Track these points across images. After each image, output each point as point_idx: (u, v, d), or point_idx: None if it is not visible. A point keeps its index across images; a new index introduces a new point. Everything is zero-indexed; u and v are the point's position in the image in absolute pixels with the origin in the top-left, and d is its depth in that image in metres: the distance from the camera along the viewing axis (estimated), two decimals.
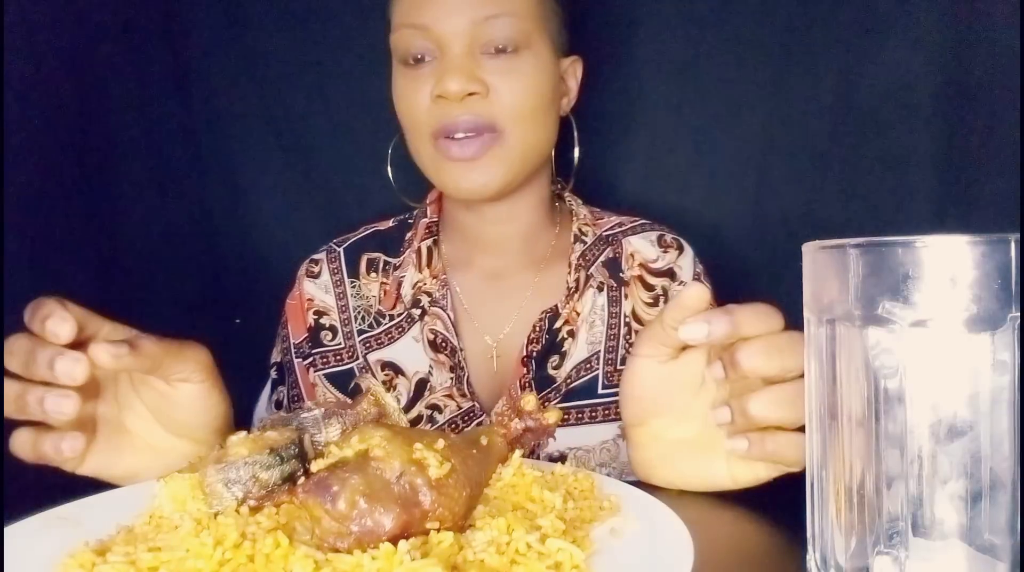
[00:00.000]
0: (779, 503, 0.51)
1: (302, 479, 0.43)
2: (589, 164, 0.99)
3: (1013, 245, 0.33)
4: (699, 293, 0.50)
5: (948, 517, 0.34)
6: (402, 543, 0.38)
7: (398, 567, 0.36)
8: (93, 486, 0.54)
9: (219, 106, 1.08)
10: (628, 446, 0.59)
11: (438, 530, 0.40)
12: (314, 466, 0.42)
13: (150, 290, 1.07)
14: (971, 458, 0.34)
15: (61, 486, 0.53)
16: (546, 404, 0.76)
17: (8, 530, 0.44)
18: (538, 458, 0.73)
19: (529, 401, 0.53)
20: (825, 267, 0.37)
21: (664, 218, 0.89)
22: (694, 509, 0.52)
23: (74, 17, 0.98)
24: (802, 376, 0.41)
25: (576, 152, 0.86)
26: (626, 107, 1.03)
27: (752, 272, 1.01)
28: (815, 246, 0.38)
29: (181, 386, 0.54)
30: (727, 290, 0.91)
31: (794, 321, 0.42)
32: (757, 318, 0.49)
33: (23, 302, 0.50)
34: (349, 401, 0.54)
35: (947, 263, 0.33)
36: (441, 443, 0.43)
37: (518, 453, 0.50)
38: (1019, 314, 0.33)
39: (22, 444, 0.51)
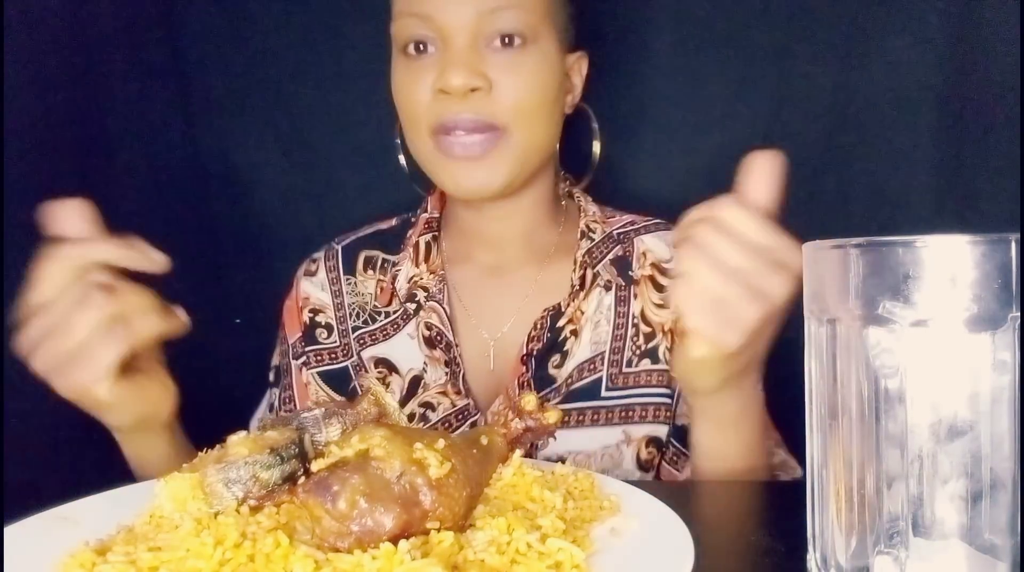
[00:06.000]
0: (779, 503, 0.52)
1: (302, 479, 0.43)
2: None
3: (1013, 245, 0.33)
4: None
5: (948, 517, 0.34)
6: (402, 543, 0.38)
7: (398, 567, 0.36)
8: (93, 486, 0.54)
9: (219, 106, 1.08)
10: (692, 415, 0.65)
11: (438, 530, 0.40)
12: (314, 466, 0.42)
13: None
14: (971, 458, 0.34)
15: (61, 486, 0.53)
16: (545, 404, 0.76)
17: (8, 530, 0.44)
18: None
19: (529, 401, 0.53)
20: (825, 267, 0.37)
21: (664, 216, 0.89)
22: (694, 509, 0.52)
23: (74, 17, 0.98)
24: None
25: (596, 147, 0.84)
26: (628, 104, 1.02)
27: None
28: (815, 246, 0.38)
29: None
30: None
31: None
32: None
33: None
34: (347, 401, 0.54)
35: (947, 263, 0.33)
36: (441, 443, 0.43)
37: (518, 453, 0.50)
38: (1019, 314, 0.33)
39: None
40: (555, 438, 0.53)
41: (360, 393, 0.54)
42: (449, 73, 0.70)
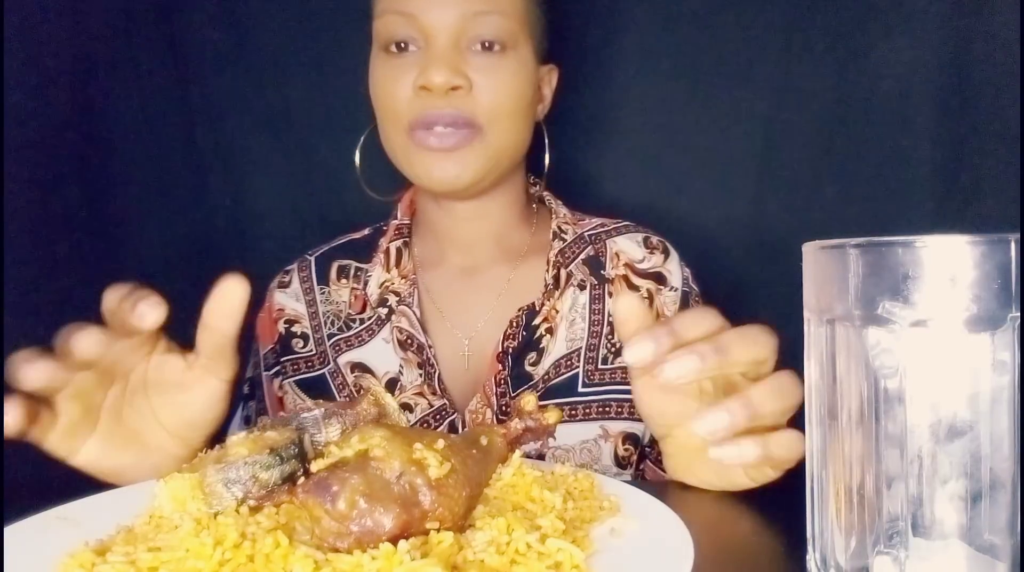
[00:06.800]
0: (779, 503, 0.51)
1: (302, 479, 0.43)
2: (584, 168, 0.99)
3: (1013, 245, 0.32)
4: (628, 304, 0.51)
5: (948, 517, 0.34)
6: (402, 543, 0.38)
7: (398, 567, 0.36)
8: (93, 486, 0.54)
9: (219, 105, 1.08)
10: (662, 455, 0.60)
11: (438, 530, 0.40)
12: (314, 466, 0.42)
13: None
14: (971, 458, 0.34)
15: (61, 486, 0.53)
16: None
17: (8, 530, 0.44)
18: None
19: (529, 401, 0.53)
20: (825, 267, 0.37)
21: (663, 220, 0.89)
22: (694, 509, 0.52)
23: (74, 17, 0.98)
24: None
25: (547, 158, 0.85)
26: (624, 110, 1.02)
27: (751, 273, 1.01)
28: (815, 246, 0.38)
29: (206, 382, 0.55)
30: (727, 292, 0.91)
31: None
32: (696, 322, 0.49)
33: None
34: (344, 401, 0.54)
35: (947, 263, 0.33)
36: (441, 443, 0.43)
37: (518, 453, 0.50)
38: (1019, 314, 0.33)
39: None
40: (555, 438, 0.53)
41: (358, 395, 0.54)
42: (431, 71, 0.71)
